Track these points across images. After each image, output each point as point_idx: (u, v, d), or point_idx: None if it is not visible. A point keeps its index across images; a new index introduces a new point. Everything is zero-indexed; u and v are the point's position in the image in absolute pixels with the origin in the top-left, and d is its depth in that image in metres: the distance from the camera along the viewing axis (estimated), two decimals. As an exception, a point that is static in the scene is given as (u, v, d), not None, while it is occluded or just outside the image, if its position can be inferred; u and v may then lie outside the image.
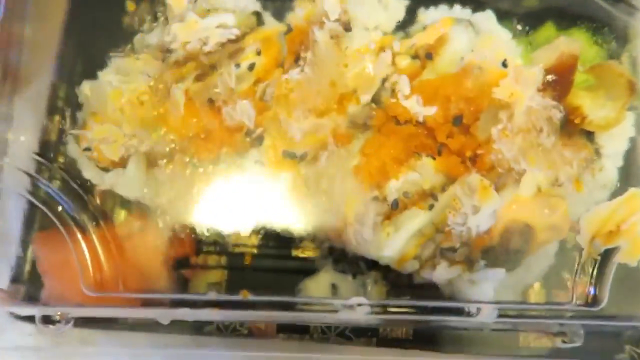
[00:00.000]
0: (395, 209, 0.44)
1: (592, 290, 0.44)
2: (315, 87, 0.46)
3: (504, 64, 0.44)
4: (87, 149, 0.48)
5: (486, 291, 0.44)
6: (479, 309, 0.42)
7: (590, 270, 0.44)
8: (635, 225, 0.41)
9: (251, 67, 0.49)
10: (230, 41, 0.50)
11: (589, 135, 0.46)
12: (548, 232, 0.43)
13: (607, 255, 0.44)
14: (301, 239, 0.55)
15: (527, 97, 0.43)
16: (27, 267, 0.49)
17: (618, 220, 0.42)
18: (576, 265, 0.44)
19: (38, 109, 0.54)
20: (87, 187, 0.55)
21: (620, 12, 0.49)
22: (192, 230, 0.56)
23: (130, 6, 0.60)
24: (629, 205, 0.42)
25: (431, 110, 0.43)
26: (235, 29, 0.48)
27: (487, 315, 0.42)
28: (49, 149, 0.52)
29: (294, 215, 0.48)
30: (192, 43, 0.50)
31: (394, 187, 0.44)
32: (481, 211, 0.43)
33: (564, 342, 0.43)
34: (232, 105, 0.47)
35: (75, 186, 0.53)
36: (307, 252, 0.55)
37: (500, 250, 0.44)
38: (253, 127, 0.46)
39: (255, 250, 0.56)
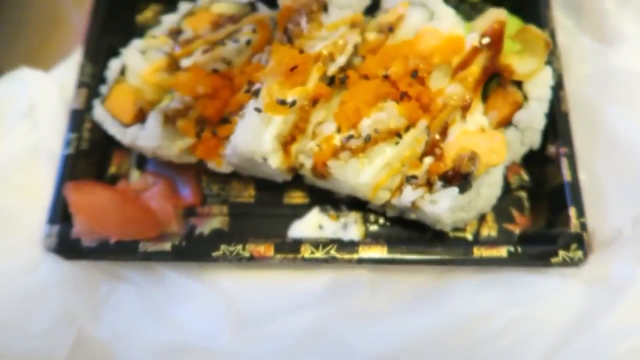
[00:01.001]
0: (368, 142, 0.54)
1: None
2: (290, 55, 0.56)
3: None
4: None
5: (444, 207, 0.54)
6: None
7: None
8: None
9: (248, 42, 0.60)
10: (230, 23, 0.62)
11: (519, 85, 0.58)
12: (490, 156, 0.54)
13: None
14: (290, 189, 0.65)
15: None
16: (60, 211, 0.58)
17: None
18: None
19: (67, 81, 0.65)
20: (109, 150, 0.65)
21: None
22: (199, 184, 0.65)
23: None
24: None
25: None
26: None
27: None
28: (77, 116, 0.62)
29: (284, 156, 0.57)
30: (198, 30, 0.62)
31: (366, 124, 0.55)
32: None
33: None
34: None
35: (98, 148, 0.63)
36: (296, 199, 0.65)
37: (453, 174, 0.54)
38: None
39: (252, 200, 0.65)
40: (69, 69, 0.68)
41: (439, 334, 0.50)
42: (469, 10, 0.73)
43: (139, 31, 0.72)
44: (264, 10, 0.64)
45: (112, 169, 0.66)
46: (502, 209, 0.63)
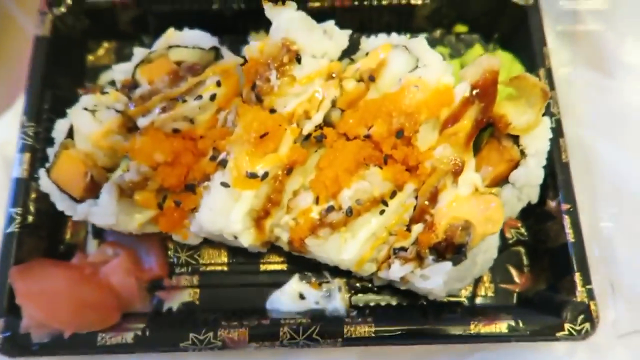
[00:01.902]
0: (349, 215, 0.49)
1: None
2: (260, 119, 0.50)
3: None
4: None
5: (437, 283, 0.49)
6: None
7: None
8: None
9: (212, 97, 0.53)
10: (191, 74, 0.55)
11: (515, 139, 0.52)
12: (486, 225, 0.49)
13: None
14: (267, 254, 0.59)
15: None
16: (6, 301, 0.51)
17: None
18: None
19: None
20: (61, 219, 0.58)
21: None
22: (165, 253, 0.59)
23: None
24: None
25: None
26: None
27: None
28: (21, 186, 0.55)
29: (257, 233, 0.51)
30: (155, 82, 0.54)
31: (347, 196, 0.49)
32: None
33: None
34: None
35: (48, 219, 0.57)
36: (274, 266, 0.59)
37: (445, 245, 0.49)
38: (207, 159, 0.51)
39: (225, 268, 0.59)
40: (9, 122, 0.61)
41: None
42: (455, 42, 0.67)
43: (91, 73, 0.65)
44: (229, 57, 0.56)
45: (67, 237, 0.59)
46: (500, 267, 0.58)
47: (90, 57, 0.67)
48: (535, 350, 0.54)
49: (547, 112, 0.54)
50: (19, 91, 0.62)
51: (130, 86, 0.56)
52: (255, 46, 0.53)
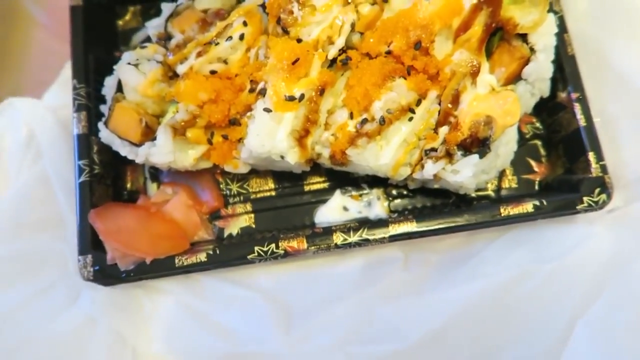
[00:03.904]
0: (382, 124, 0.54)
1: None
2: (289, 49, 0.55)
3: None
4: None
5: (467, 176, 0.55)
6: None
7: None
8: None
9: (241, 37, 0.58)
10: (218, 19, 0.60)
11: (523, 38, 0.57)
12: (505, 118, 0.54)
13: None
14: (309, 175, 0.65)
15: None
16: (90, 240, 0.58)
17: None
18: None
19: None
20: (121, 168, 0.65)
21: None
22: (217, 186, 0.65)
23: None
24: None
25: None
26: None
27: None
28: (83, 140, 0.61)
29: (301, 150, 0.57)
30: (187, 31, 0.59)
31: (378, 107, 0.54)
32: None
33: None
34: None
35: (110, 168, 0.63)
36: (316, 185, 0.65)
37: (471, 141, 0.54)
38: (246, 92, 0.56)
39: (273, 193, 0.65)
40: (58, 91, 0.66)
41: (479, 302, 0.52)
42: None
43: (123, 37, 0.70)
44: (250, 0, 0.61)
45: (128, 186, 0.66)
46: (520, 160, 0.64)
47: (120, 22, 0.71)
48: (556, 226, 0.59)
49: (551, 10, 0.58)
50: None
51: (165, 38, 0.61)
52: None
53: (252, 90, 0.56)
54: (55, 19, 0.72)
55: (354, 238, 0.56)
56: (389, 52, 0.56)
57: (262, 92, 0.55)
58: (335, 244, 0.56)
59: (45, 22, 0.74)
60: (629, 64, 0.63)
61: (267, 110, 0.54)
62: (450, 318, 0.52)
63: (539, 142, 0.64)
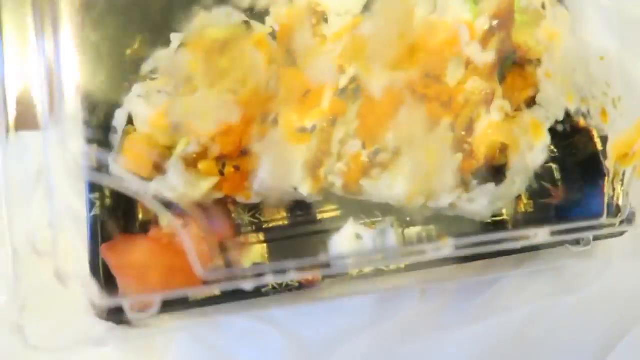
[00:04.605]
0: (396, 154, 0.53)
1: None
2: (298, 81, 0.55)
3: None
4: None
5: (483, 204, 0.54)
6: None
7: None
8: None
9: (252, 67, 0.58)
10: (227, 47, 0.59)
11: (537, 61, 0.56)
12: (521, 144, 0.53)
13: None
14: (321, 204, 0.65)
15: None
16: (103, 275, 0.57)
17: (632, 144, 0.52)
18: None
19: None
20: (132, 199, 0.64)
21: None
22: (230, 216, 0.65)
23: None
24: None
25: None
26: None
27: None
28: (93, 174, 0.61)
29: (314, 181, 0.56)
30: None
31: (390, 137, 0.54)
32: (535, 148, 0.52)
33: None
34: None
35: (121, 201, 0.62)
36: (329, 213, 0.65)
37: (486, 169, 0.54)
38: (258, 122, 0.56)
39: (286, 222, 0.65)
40: (68, 123, 0.66)
41: (502, 337, 0.51)
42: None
43: (132, 66, 0.70)
44: (258, 27, 0.61)
45: (140, 216, 0.65)
46: (535, 184, 0.62)
47: (128, 51, 0.71)
48: (575, 254, 0.58)
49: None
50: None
51: (174, 69, 0.61)
52: (283, 13, 0.57)
53: (263, 122, 0.56)
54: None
55: (368, 269, 0.55)
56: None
57: (274, 123, 0.54)
58: (351, 276, 0.55)
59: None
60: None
61: (279, 142, 0.53)
62: (473, 356, 0.51)
63: (554, 166, 0.63)
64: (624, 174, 0.54)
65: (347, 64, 0.56)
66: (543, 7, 0.55)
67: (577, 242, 0.54)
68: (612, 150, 0.53)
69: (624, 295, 0.51)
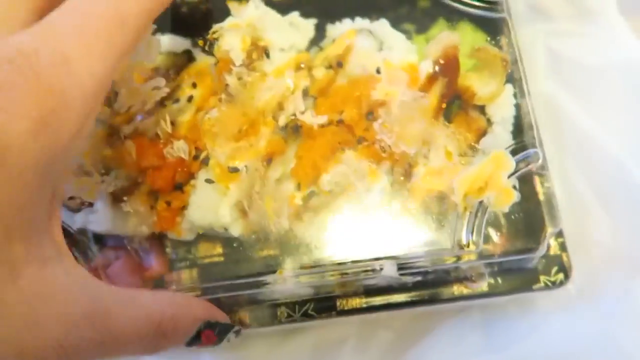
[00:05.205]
0: (330, 197, 0.52)
1: (469, 236, 0.52)
2: (235, 117, 0.53)
3: (378, 71, 0.53)
4: (71, 198, 0.54)
5: (421, 252, 0.52)
6: (381, 267, 0.50)
7: (467, 220, 0.52)
8: (500, 179, 0.50)
9: (190, 99, 0.56)
10: (167, 77, 0.57)
11: (481, 109, 0.55)
12: (460, 191, 0.52)
13: (480, 206, 0.53)
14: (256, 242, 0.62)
15: (400, 93, 0.52)
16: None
17: (485, 177, 0.51)
18: (455, 219, 0.52)
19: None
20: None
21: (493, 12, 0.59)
22: (163, 250, 0.62)
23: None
24: (493, 164, 0.51)
25: (323, 119, 0.52)
26: (167, 88, 0.55)
27: (389, 270, 0.50)
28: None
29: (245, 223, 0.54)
30: (134, 106, 0.56)
31: (326, 180, 0.52)
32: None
33: (472, 281, 0.52)
34: (170, 145, 0.54)
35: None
36: (267, 251, 0.62)
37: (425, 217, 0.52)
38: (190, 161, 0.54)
39: (222, 259, 0.62)
40: None
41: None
42: (421, 17, 0.68)
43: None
44: (201, 58, 0.59)
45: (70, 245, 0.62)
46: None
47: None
48: (512, 306, 0.57)
49: (510, 79, 0.57)
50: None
51: (111, 96, 0.59)
52: (223, 46, 0.56)
53: (196, 158, 0.54)
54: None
55: (297, 314, 0.53)
56: (340, 121, 0.54)
57: (205, 162, 0.52)
58: (279, 320, 0.53)
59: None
60: (594, 128, 0.62)
61: (209, 181, 0.52)
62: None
63: (500, 213, 0.62)
64: (479, 207, 0.53)
65: (286, 102, 0.54)
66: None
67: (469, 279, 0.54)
68: (461, 185, 0.51)
69: (554, 354, 0.50)
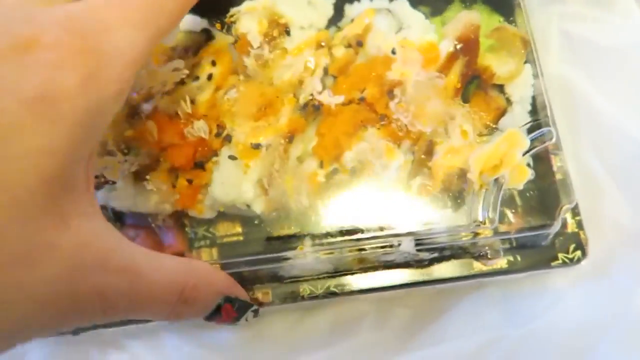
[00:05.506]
0: (354, 175, 0.52)
1: (485, 213, 0.53)
2: (254, 97, 0.53)
3: (393, 52, 0.53)
4: (95, 177, 0.53)
5: (440, 229, 0.53)
6: (399, 242, 0.51)
7: (483, 198, 0.53)
8: (514, 157, 0.51)
9: (209, 77, 0.56)
10: (186, 55, 0.57)
11: (500, 88, 0.55)
12: (480, 170, 0.52)
13: (496, 184, 0.53)
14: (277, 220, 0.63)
15: (414, 73, 0.53)
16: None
17: (500, 155, 0.51)
18: (471, 197, 0.53)
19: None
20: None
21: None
22: (183, 229, 0.63)
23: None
24: (508, 142, 0.52)
25: (339, 99, 0.53)
26: (186, 70, 0.55)
27: (406, 246, 0.51)
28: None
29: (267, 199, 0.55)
30: (154, 87, 0.56)
31: (349, 158, 0.52)
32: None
33: (488, 258, 0.53)
34: (190, 125, 0.54)
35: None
36: (286, 230, 0.63)
37: (444, 194, 0.53)
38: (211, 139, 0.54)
39: (241, 238, 0.63)
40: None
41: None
42: (435, 0, 0.68)
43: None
44: (219, 37, 0.59)
45: (88, 226, 0.63)
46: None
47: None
48: (530, 283, 0.58)
49: (529, 59, 0.57)
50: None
51: (130, 75, 0.59)
52: (241, 29, 0.56)
53: (218, 135, 0.54)
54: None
55: (320, 291, 0.54)
56: (362, 99, 0.54)
57: (228, 139, 0.53)
58: (302, 296, 0.54)
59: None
60: (608, 112, 0.62)
61: (232, 157, 0.52)
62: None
63: (515, 192, 0.62)
64: (494, 185, 0.53)
65: (307, 79, 0.55)
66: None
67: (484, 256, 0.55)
68: (476, 162, 0.52)
69: (573, 328, 0.51)
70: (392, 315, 0.56)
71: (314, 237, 0.62)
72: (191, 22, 0.59)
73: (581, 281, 0.54)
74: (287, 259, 0.55)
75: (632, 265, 0.54)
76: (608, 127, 0.60)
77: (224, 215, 0.61)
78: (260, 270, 0.59)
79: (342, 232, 0.58)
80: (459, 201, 0.53)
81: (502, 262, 0.55)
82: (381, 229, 0.55)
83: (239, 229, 0.63)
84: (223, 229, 0.63)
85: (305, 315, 0.57)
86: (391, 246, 0.53)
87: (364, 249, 0.55)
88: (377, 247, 0.53)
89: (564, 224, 0.55)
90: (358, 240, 0.56)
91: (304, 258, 0.54)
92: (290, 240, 0.62)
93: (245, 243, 0.62)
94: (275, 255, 0.55)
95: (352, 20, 0.58)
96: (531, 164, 0.56)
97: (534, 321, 0.51)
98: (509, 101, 0.55)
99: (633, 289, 0.52)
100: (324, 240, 0.61)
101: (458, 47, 0.54)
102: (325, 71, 0.56)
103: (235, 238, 0.63)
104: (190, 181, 0.55)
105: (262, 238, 0.62)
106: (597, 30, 0.65)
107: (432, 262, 0.55)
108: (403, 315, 0.56)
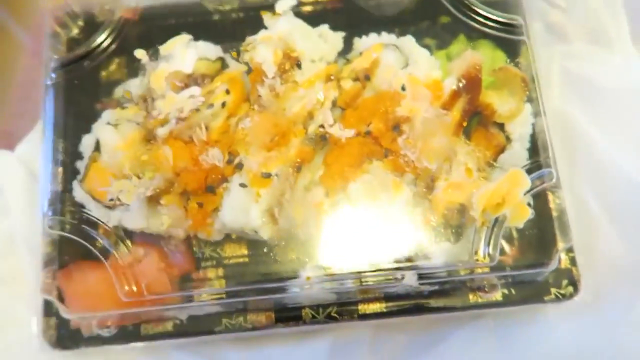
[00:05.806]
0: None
1: (486, 250, 0.55)
2: (267, 127, 0.56)
3: (403, 88, 0.55)
4: (112, 200, 0.56)
5: (439, 262, 0.55)
6: (402, 276, 0.53)
7: (484, 234, 0.55)
8: (516, 196, 0.53)
9: (223, 104, 0.58)
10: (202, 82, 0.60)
11: (501, 126, 0.58)
12: (479, 205, 0.54)
13: (497, 222, 0.55)
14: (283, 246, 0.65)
15: (422, 110, 0.55)
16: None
17: (503, 193, 0.54)
18: (473, 233, 0.55)
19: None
20: (94, 224, 0.64)
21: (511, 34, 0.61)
22: (190, 249, 0.65)
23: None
24: (510, 181, 0.54)
25: (350, 132, 0.55)
26: (202, 97, 0.58)
27: (410, 280, 0.53)
28: (56, 197, 0.60)
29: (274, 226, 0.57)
30: (171, 112, 0.59)
31: (354, 189, 0.54)
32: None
33: (485, 291, 0.55)
34: (205, 153, 0.57)
35: (84, 226, 0.62)
36: (290, 255, 0.65)
37: (444, 228, 0.55)
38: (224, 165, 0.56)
39: (247, 260, 0.65)
40: (33, 141, 0.66)
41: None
42: (441, 32, 0.71)
43: (106, 88, 0.70)
44: (233, 65, 0.61)
45: (98, 244, 0.65)
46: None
47: (104, 73, 0.71)
48: (524, 315, 0.60)
49: (530, 98, 0.59)
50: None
51: (146, 99, 0.61)
52: (256, 58, 0.58)
53: (229, 162, 0.56)
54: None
55: (321, 316, 0.56)
56: (368, 132, 0.56)
57: (239, 166, 0.55)
58: (304, 321, 0.56)
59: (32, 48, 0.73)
60: (606, 149, 0.64)
61: (243, 185, 0.54)
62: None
63: (514, 228, 0.64)
64: (495, 222, 0.55)
65: (316, 111, 0.57)
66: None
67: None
68: (480, 200, 0.54)
69: (564, 359, 0.52)
70: (390, 341, 0.58)
71: (318, 266, 0.64)
72: (207, 50, 0.62)
73: (573, 314, 0.56)
74: (292, 289, 0.56)
75: (623, 300, 0.56)
76: (604, 164, 0.62)
77: (231, 237, 0.64)
78: (266, 291, 0.61)
79: (348, 266, 0.60)
80: (459, 236, 0.55)
81: (497, 295, 0.56)
82: (385, 261, 0.57)
83: (244, 251, 0.65)
84: (229, 250, 0.65)
85: (304, 338, 0.59)
86: (395, 279, 0.55)
87: (368, 282, 0.57)
88: (381, 280, 0.56)
89: (558, 261, 0.57)
90: (363, 273, 0.58)
91: (310, 289, 0.56)
92: (294, 266, 0.64)
93: (250, 265, 0.64)
94: (280, 285, 0.57)
95: (361, 54, 0.61)
96: (531, 203, 0.58)
97: (527, 351, 0.53)
98: (508, 139, 0.57)
99: (623, 323, 0.54)
100: (329, 271, 0.63)
101: (461, 85, 0.56)
102: (334, 103, 0.58)
103: (241, 260, 0.65)
104: (200, 204, 0.57)
105: (267, 262, 0.65)
106: (598, 69, 0.67)
107: (431, 293, 0.57)
108: (401, 342, 0.58)
